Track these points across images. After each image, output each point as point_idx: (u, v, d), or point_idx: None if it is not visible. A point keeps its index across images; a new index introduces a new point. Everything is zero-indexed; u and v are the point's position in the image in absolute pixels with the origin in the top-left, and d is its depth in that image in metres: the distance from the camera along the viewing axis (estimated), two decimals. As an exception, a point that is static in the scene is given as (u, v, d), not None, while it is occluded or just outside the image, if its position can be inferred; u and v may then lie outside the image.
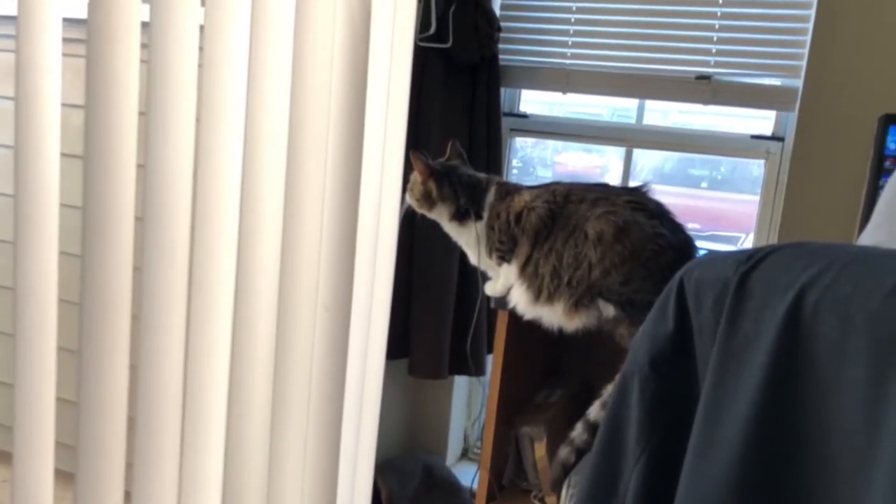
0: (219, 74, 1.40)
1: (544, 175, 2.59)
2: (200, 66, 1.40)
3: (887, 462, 0.62)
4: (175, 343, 1.48)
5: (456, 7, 2.12)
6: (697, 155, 2.37)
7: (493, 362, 1.77)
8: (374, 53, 1.53)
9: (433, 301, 2.25)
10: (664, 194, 1.60)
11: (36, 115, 1.45)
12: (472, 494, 2.14)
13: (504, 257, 1.64)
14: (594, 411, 1.56)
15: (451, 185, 1.67)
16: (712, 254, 0.86)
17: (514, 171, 2.53)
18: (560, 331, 1.57)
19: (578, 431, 1.58)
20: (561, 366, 2.10)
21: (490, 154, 2.24)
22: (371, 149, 1.59)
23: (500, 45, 2.24)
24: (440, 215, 1.70)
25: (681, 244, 1.51)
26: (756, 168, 2.23)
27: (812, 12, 1.98)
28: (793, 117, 2.04)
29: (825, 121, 1.96)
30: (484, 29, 2.15)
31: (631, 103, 2.34)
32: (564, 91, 2.32)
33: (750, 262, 0.76)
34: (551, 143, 2.57)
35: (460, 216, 1.68)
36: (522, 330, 1.67)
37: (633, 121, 2.35)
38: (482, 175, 1.73)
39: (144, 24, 1.37)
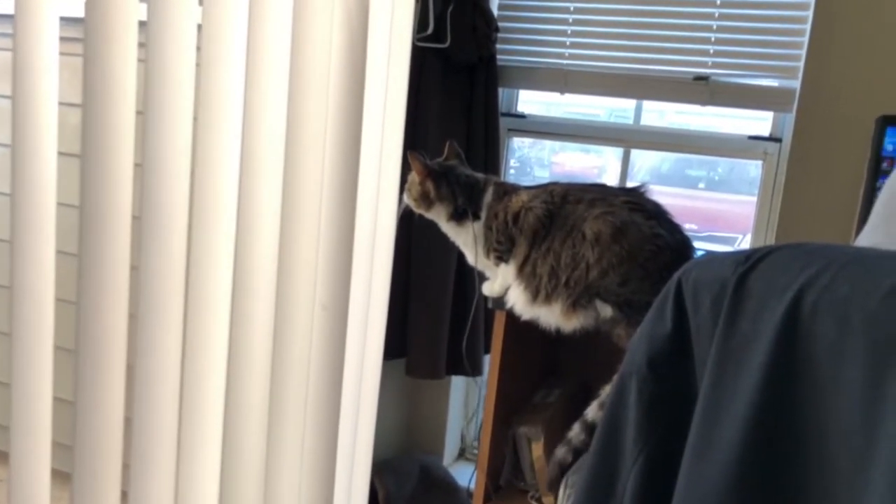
0: (216, 74, 1.40)
1: (541, 175, 2.59)
2: (198, 65, 1.40)
3: (885, 463, 0.62)
4: (172, 343, 1.48)
5: (454, 7, 2.12)
6: (695, 156, 2.37)
7: (490, 362, 1.78)
8: (371, 53, 1.53)
9: (431, 301, 2.25)
10: (661, 195, 1.60)
11: (33, 114, 1.45)
12: (470, 494, 2.14)
13: (502, 257, 1.64)
14: (592, 411, 1.56)
15: (448, 186, 1.67)
16: (710, 254, 0.86)
17: (512, 171, 2.53)
18: (558, 331, 1.57)
19: (576, 431, 1.58)
20: (558, 366, 2.10)
21: (488, 154, 2.24)
22: (369, 148, 1.59)
23: (498, 46, 2.24)
24: (438, 215, 1.70)
25: (678, 245, 1.51)
26: (753, 169, 2.23)
27: (810, 13, 1.98)
28: (790, 118, 2.04)
29: (823, 122, 1.97)
30: (482, 29, 2.15)
31: (628, 104, 2.35)
32: (562, 91, 2.32)
33: (748, 262, 0.76)
34: (548, 144, 2.58)
35: (458, 216, 1.68)
36: (520, 330, 1.67)
37: (630, 121, 2.36)
38: (480, 175, 1.73)
39: (142, 23, 1.37)
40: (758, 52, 2.08)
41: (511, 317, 1.66)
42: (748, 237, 2.22)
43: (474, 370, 2.29)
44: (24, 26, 1.41)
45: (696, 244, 1.56)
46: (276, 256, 1.49)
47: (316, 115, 1.45)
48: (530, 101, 2.46)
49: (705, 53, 2.12)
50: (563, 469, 1.60)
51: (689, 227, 1.59)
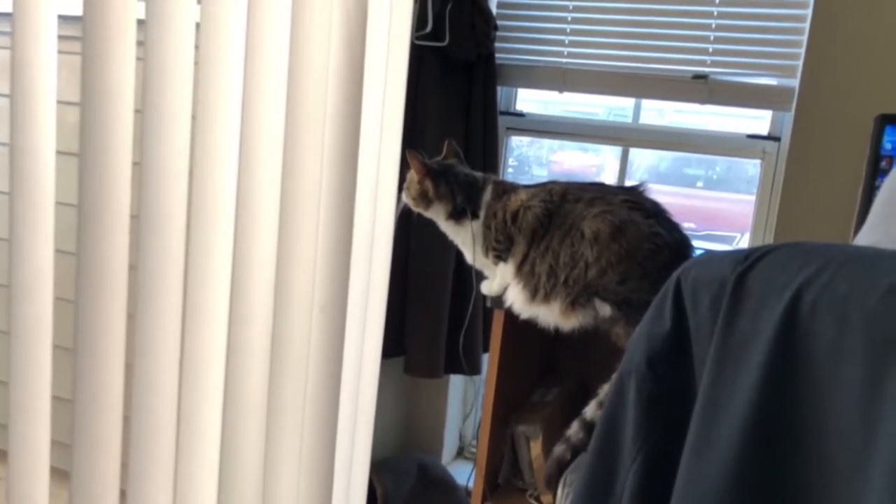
0: (215, 72, 1.40)
1: (540, 174, 2.60)
2: (196, 63, 1.40)
3: (884, 462, 0.62)
4: (171, 342, 1.48)
5: (452, 5, 2.12)
6: (693, 154, 2.37)
7: (489, 361, 1.78)
8: (370, 51, 1.53)
9: (429, 300, 2.25)
10: (660, 193, 1.60)
11: (31, 113, 1.45)
12: (468, 493, 2.14)
13: (500, 256, 1.64)
14: (590, 410, 1.56)
15: (447, 184, 1.67)
16: (709, 253, 0.86)
17: (510, 169, 2.53)
18: (556, 330, 1.57)
19: (575, 429, 1.58)
20: (557, 365, 2.10)
21: (486, 153, 2.24)
22: (367, 147, 1.59)
23: (497, 44, 2.24)
24: (436, 214, 1.70)
25: (677, 243, 1.51)
26: (752, 168, 2.23)
27: (809, 12, 1.98)
28: (789, 117, 2.04)
29: (821, 120, 1.97)
30: (480, 27, 2.15)
31: (627, 102, 2.35)
32: (561, 90, 2.32)
33: (747, 261, 0.76)
34: (546, 142, 2.58)
35: (457, 215, 1.68)
36: (519, 329, 1.67)
37: (629, 120, 2.36)
38: (479, 174, 1.73)
39: (140, 22, 1.37)
40: (757, 51, 2.08)
41: (510, 315, 1.66)
42: (746, 236, 2.22)
43: (472, 369, 2.29)
44: (23, 24, 1.41)
45: (695, 243, 1.56)
46: (275, 255, 1.49)
47: (314, 114, 1.44)
48: (529, 100, 2.46)
49: (704, 52, 2.12)
50: (562, 466, 1.60)
51: (687, 225, 1.59)
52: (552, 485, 1.64)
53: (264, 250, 1.48)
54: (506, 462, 1.89)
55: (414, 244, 2.25)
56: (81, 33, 1.33)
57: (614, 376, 0.88)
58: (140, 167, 1.39)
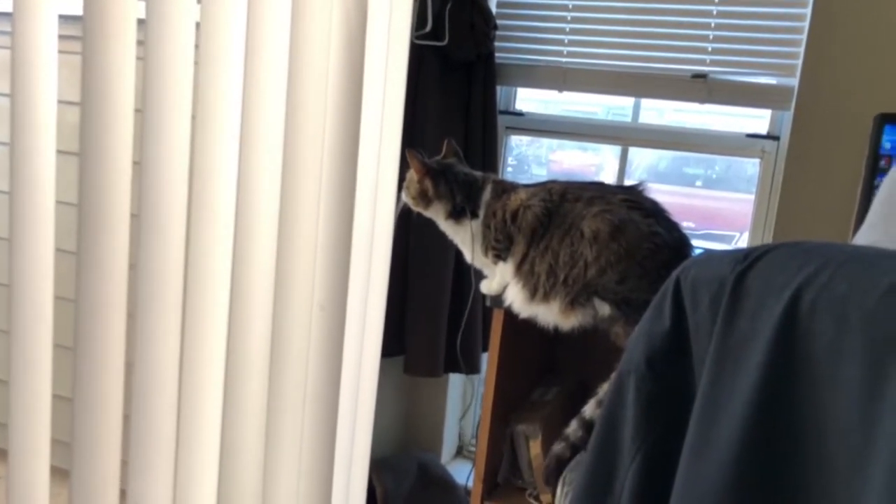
0: (215, 72, 1.40)
1: (539, 173, 2.60)
2: (196, 63, 1.40)
3: (883, 461, 0.62)
4: (170, 341, 1.48)
5: (452, 5, 2.12)
6: (693, 153, 2.37)
7: (488, 360, 1.78)
8: (370, 51, 1.53)
9: (428, 299, 2.25)
10: (659, 193, 1.60)
11: (32, 112, 1.45)
12: (467, 492, 2.14)
13: (500, 255, 1.64)
14: (590, 409, 1.56)
15: (447, 184, 1.67)
16: (708, 253, 0.86)
17: (509, 169, 2.53)
18: (556, 329, 1.57)
19: (574, 428, 1.58)
20: (556, 364, 2.10)
21: (486, 152, 2.24)
22: (367, 147, 1.59)
23: (497, 43, 2.24)
24: (436, 213, 1.70)
25: (676, 243, 1.51)
26: (751, 167, 2.23)
27: (808, 11, 1.98)
28: (788, 116, 2.05)
29: (821, 120, 1.97)
30: (480, 27, 2.15)
31: (627, 102, 2.35)
32: (560, 89, 2.32)
33: (746, 261, 0.76)
34: (546, 142, 2.58)
35: (456, 214, 1.68)
36: (518, 328, 1.67)
37: (628, 119, 2.36)
38: (478, 173, 1.73)
39: (140, 21, 1.37)
40: (756, 50, 2.08)
41: (509, 315, 1.66)
42: (746, 235, 2.23)
43: (471, 368, 2.29)
44: (23, 24, 1.41)
45: (694, 242, 1.56)
46: (275, 255, 1.49)
47: (314, 113, 1.44)
48: (528, 99, 2.46)
49: (703, 51, 2.12)
50: (561, 463, 1.60)
51: (686, 225, 1.59)
52: (551, 483, 1.64)
53: (264, 249, 1.48)
54: (505, 461, 1.89)
55: (413, 243, 2.25)
56: (81, 33, 1.33)
57: (613, 375, 0.88)
58: (140, 167, 1.39)
